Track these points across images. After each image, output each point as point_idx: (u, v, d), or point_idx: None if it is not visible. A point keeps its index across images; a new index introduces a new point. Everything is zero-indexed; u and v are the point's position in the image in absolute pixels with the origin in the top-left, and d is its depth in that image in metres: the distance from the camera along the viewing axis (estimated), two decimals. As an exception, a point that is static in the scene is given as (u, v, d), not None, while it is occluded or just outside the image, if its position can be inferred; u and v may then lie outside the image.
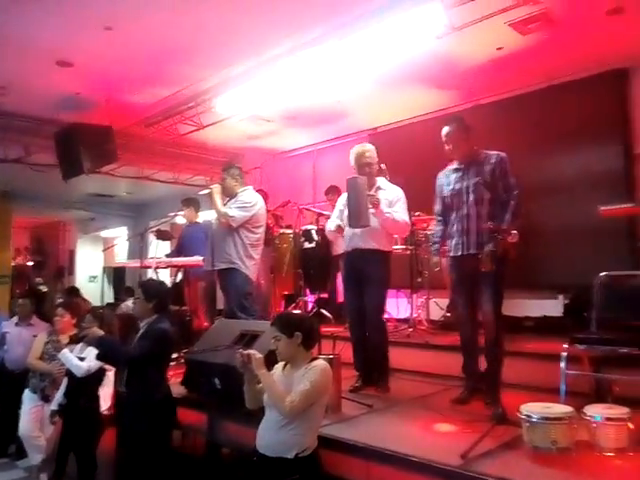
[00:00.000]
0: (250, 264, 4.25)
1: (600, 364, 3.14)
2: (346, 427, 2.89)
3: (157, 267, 5.21)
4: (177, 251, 5.81)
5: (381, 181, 3.91)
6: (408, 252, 5.13)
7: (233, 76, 4.97)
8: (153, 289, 3.45)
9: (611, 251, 4.97)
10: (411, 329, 4.83)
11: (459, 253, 3.41)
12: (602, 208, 3.81)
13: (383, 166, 5.57)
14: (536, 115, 5.47)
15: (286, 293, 6.48)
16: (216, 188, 4.29)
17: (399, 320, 5.38)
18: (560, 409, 2.34)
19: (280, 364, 2.71)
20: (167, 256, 5.77)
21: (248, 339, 3.36)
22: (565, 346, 2.97)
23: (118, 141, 6.13)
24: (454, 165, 3.58)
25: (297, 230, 6.07)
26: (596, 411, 2.33)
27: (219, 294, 5.39)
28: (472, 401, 3.31)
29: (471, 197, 3.36)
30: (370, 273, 3.71)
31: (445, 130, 3.55)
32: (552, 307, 5.30)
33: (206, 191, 4.38)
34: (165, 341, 3.26)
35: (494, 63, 4.98)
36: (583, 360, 3.12)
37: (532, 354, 3.88)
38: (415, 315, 5.12)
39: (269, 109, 6.08)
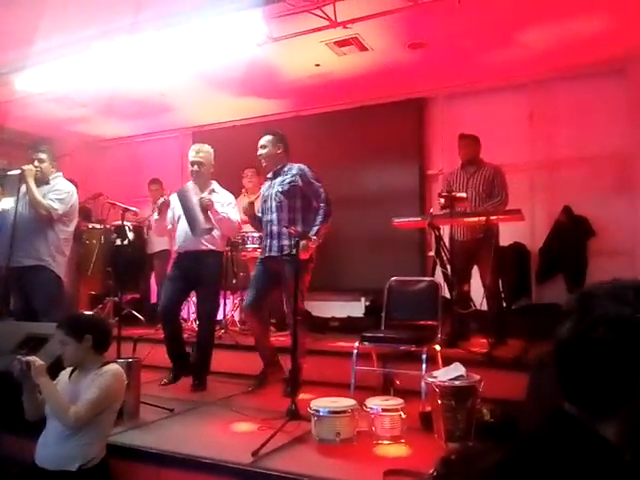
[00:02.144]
0: (61, 261, 3.83)
1: (386, 360, 3.51)
2: (141, 433, 2.78)
3: None
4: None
5: (215, 185, 3.93)
6: (224, 254, 5.13)
7: (37, 52, 4.46)
8: None
9: (406, 259, 5.59)
10: (223, 330, 4.83)
11: (264, 255, 3.67)
12: (394, 220, 4.28)
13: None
14: (349, 131, 5.90)
15: (93, 293, 6.03)
16: (30, 171, 3.72)
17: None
18: (345, 403, 2.54)
19: (67, 370, 2.51)
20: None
21: (34, 343, 3.04)
22: (356, 344, 3.25)
23: None
24: (269, 174, 3.78)
25: (108, 226, 5.68)
26: (375, 403, 2.59)
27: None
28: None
29: (273, 204, 3.64)
30: (205, 275, 3.75)
31: (262, 140, 3.76)
32: (356, 308, 5.76)
33: (16, 172, 3.81)
34: None
35: (313, 78, 5.25)
36: (372, 357, 3.46)
37: (332, 352, 4.15)
38: (228, 316, 5.14)
39: (82, 93, 5.60)
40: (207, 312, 3.83)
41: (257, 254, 5.06)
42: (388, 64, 4.88)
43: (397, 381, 3.30)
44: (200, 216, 3.54)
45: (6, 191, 4.52)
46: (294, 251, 3.20)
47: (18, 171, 3.78)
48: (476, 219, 3.95)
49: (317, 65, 4.96)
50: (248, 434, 2.73)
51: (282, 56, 4.70)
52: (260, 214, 3.78)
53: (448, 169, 5.00)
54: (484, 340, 4.06)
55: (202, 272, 3.71)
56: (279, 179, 3.68)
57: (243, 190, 5.75)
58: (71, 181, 6.63)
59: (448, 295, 4.25)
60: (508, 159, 5.16)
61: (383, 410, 2.53)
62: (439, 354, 3.24)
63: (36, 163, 3.86)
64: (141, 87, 5.46)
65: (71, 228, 3.97)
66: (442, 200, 3.99)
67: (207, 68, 4.80)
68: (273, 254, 3.57)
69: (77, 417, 2.25)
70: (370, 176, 5.89)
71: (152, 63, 4.55)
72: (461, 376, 2.44)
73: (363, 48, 4.57)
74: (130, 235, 5.74)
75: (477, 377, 2.49)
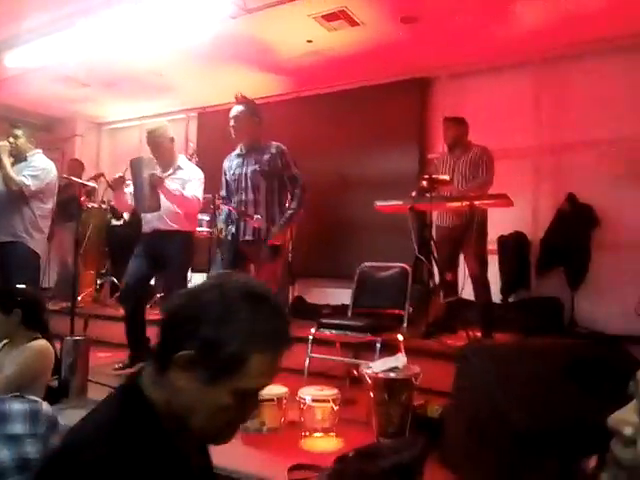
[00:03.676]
0: (39, 237, 3.82)
1: (350, 348, 3.36)
2: (81, 412, 2.72)
3: None
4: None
5: (181, 160, 3.79)
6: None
7: (24, 30, 4.46)
8: None
9: (405, 245, 5.36)
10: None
11: (235, 238, 3.43)
12: (377, 203, 4.09)
13: (192, 145, 5.46)
14: (349, 113, 5.68)
15: (92, 273, 6.09)
16: (4, 146, 3.68)
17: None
18: (273, 391, 2.41)
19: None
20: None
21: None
22: (312, 330, 3.10)
23: None
24: (237, 150, 3.60)
25: (102, 206, 5.70)
26: (306, 393, 2.43)
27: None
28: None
29: (249, 184, 3.42)
30: (171, 256, 3.60)
31: (234, 111, 3.54)
32: (351, 296, 5.59)
33: None
34: None
35: (309, 57, 5.06)
36: (336, 344, 3.30)
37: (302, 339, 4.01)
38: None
39: (79, 71, 5.62)
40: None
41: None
42: (382, 40, 4.64)
43: (354, 371, 3.13)
44: (147, 192, 3.39)
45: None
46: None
47: None
48: (459, 204, 3.71)
49: (309, 41, 4.77)
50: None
51: (271, 31, 4.53)
52: (224, 192, 3.62)
53: (449, 153, 4.75)
54: (471, 333, 3.84)
55: (166, 253, 3.56)
56: (255, 156, 3.45)
57: None
58: (76, 161, 6.72)
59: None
60: (512, 143, 4.87)
61: (313, 400, 2.38)
62: (401, 344, 3.05)
63: (11, 139, 3.83)
64: (137, 66, 5.40)
65: (49, 205, 3.94)
66: (424, 183, 3.77)
67: (192, 44, 4.67)
68: (247, 238, 3.39)
69: (-7, 395, 2.21)
70: (369, 159, 5.67)
71: (137, 39, 4.49)
72: (396, 368, 2.25)
73: (353, 22, 4.35)
74: (126, 215, 5.75)
75: (416, 369, 2.30)
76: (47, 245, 4.22)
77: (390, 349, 3.07)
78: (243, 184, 3.45)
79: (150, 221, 3.67)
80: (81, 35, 4.42)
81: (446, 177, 3.78)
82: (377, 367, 2.30)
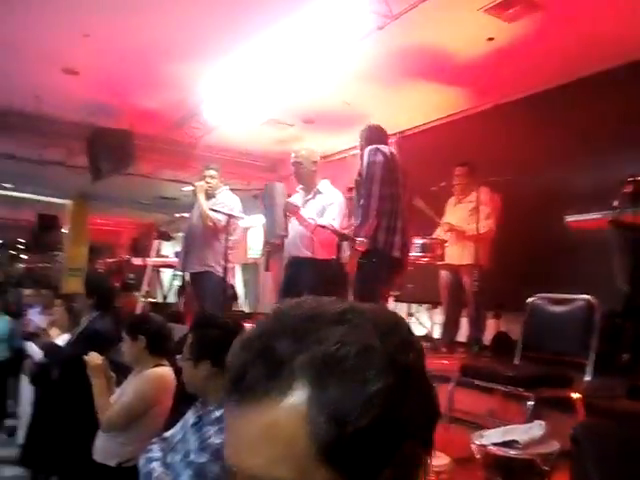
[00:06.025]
0: (227, 266, 4.21)
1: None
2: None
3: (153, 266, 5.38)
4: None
5: (322, 185, 3.72)
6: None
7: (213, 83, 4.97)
8: (92, 284, 3.50)
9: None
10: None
11: None
12: (567, 219, 3.24)
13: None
14: (554, 116, 4.77)
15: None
16: (200, 187, 4.21)
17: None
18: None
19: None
20: (176, 255, 5.98)
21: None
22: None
23: (145, 145, 6.50)
24: None
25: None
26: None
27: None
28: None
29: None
30: (303, 286, 3.49)
31: None
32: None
33: (190, 188, 4.37)
34: (96, 343, 3.04)
35: (495, 56, 4.43)
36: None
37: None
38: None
39: (282, 113, 6.05)
40: None
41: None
42: (580, 19, 3.77)
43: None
44: (279, 219, 3.38)
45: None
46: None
47: (191, 188, 4.28)
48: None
49: (490, 39, 4.17)
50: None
51: (439, 35, 4.13)
52: None
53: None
54: None
55: (299, 282, 3.48)
56: None
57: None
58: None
59: None
60: None
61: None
62: (580, 405, 2.25)
63: (208, 179, 4.29)
64: (325, 99, 5.54)
65: (235, 236, 4.29)
66: (629, 187, 2.82)
67: (358, 67, 4.56)
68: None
69: (109, 422, 2.32)
70: (584, 167, 4.65)
71: (311, 73, 4.58)
72: (515, 442, 1.59)
73: (533, 6, 3.63)
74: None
75: (551, 447, 1.60)
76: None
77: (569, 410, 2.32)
78: None
79: (288, 247, 3.65)
80: (263, 78, 4.72)
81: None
82: (492, 437, 1.68)
